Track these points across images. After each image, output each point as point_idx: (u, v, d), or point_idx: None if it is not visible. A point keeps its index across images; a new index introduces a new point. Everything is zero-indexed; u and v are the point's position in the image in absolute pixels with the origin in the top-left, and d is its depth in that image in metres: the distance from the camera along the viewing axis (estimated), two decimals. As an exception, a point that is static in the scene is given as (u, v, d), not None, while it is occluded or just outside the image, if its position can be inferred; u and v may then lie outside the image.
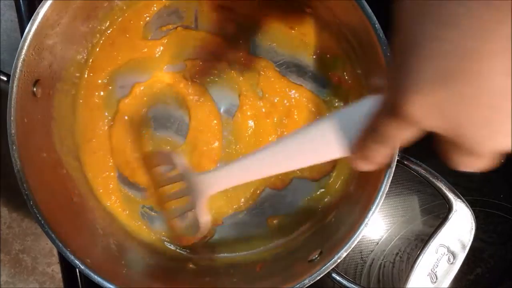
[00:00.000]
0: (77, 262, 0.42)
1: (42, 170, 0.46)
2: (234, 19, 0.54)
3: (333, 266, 0.41)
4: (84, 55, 0.52)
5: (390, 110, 0.27)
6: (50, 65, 0.47)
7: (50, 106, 0.49)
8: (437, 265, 0.42)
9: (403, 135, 0.28)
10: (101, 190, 0.53)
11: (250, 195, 0.54)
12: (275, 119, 0.54)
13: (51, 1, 0.42)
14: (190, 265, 0.52)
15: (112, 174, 0.54)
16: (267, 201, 0.55)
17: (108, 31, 0.53)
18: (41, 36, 0.43)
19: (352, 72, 0.52)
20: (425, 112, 0.24)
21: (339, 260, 0.41)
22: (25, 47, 0.42)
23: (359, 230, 0.41)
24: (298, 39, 0.53)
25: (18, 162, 0.42)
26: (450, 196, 0.42)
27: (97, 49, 0.53)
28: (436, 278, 0.42)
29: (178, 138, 0.55)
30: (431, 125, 0.25)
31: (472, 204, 0.43)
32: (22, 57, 0.42)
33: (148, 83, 0.54)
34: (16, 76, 0.42)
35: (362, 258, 0.58)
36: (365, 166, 0.33)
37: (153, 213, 0.54)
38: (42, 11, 0.42)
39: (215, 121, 0.54)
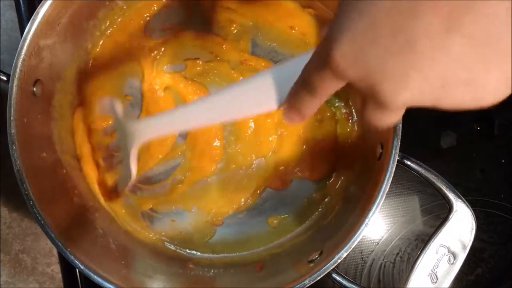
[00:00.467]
0: (77, 262, 0.42)
1: (42, 170, 0.46)
2: (234, 19, 0.54)
3: (333, 267, 0.41)
4: (85, 55, 0.52)
5: (320, 61, 0.27)
6: (50, 65, 0.47)
7: (50, 106, 0.48)
8: (438, 265, 0.42)
9: (332, 86, 0.28)
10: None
11: (250, 195, 0.54)
12: (276, 119, 0.54)
13: (51, 1, 0.42)
14: (190, 265, 0.52)
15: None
16: (267, 201, 0.55)
17: (108, 31, 0.53)
18: (41, 36, 0.43)
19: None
20: (348, 62, 0.25)
21: (339, 261, 0.41)
22: (25, 47, 0.42)
23: (360, 230, 0.41)
24: (298, 39, 0.53)
25: (17, 162, 0.42)
26: (451, 196, 0.42)
27: (97, 49, 0.53)
28: (437, 279, 0.42)
29: (178, 138, 0.55)
30: (352, 75, 0.26)
31: (473, 204, 0.43)
32: (22, 57, 0.42)
33: (148, 83, 0.54)
34: (16, 76, 0.42)
35: (362, 258, 0.58)
36: (295, 117, 0.33)
37: (153, 214, 0.54)
38: (42, 11, 0.42)
39: (215, 121, 0.54)
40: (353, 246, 0.41)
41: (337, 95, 0.54)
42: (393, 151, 0.41)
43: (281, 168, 0.54)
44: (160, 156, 0.54)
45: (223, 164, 0.55)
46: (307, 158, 0.54)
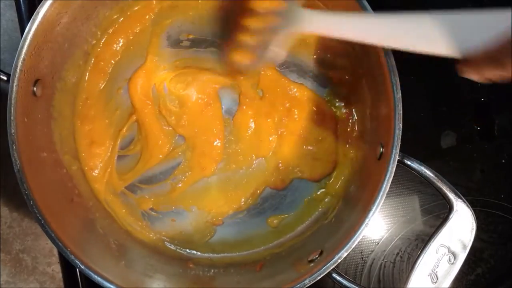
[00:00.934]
0: (77, 262, 0.42)
1: (42, 169, 0.46)
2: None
3: (333, 266, 0.41)
4: (85, 54, 0.52)
5: None
6: (50, 65, 0.47)
7: (50, 106, 0.48)
8: (438, 265, 0.42)
9: None
10: (101, 189, 0.53)
11: (250, 195, 0.54)
12: (276, 119, 0.54)
13: (51, 1, 0.42)
14: (190, 265, 0.52)
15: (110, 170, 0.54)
16: (267, 201, 0.55)
17: (109, 31, 0.53)
18: (41, 36, 0.43)
19: (352, 72, 0.52)
20: None
21: (339, 260, 0.41)
22: (25, 47, 0.42)
23: (360, 230, 0.41)
24: (298, 39, 0.53)
25: (18, 161, 0.42)
26: (451, 196, 0.42)
27: (98, 49, 0.53)
28: (437, 278, 0.42)
29: (178, 138, 0.55)
30: None
31: (473, 204, 0.43)
32: (22, 56, 0.42)
33: (149, 83, 0.54)
34: (16, 76, 0.42)
35: (362, 258, 0.58)
36: (474, 76, 0.33)
37: (153, 213, 0.54)
38: (42, 11, 0.42)
39: (218, 122, 0.54)
40: (353, 246, 0.41)
41: (338, 94, 0.54)
42: (393, 151, 0.41)
43: (281, 168, 0.54)
44: (160, 156, 0.54)
45: (223, 164, 0.55)
46: (308, 158, 0.54)
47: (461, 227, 0.42)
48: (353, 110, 0.53)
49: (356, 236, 0.41)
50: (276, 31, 0.44)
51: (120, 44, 0.54)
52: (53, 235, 0.42)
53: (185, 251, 0.54)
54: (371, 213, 0.41)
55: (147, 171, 0.54)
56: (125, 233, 0.53)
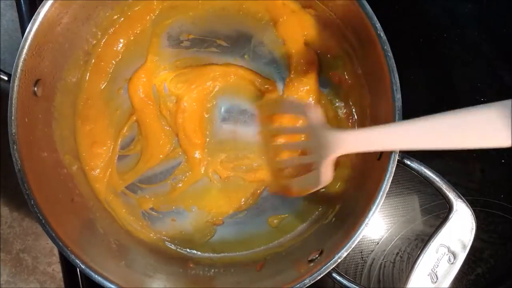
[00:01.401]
0: (77, 261, 0.42)
1: (43, 169, 0.46)
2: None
3: (333, 266, 0.41)
4: (85, 54, 0.52)
5: None
6: (51, 65, 0.47)
7: (51, 106, 0.49)
8: (438, 265, 0.42)
9: None
10: (101, 188, 0.53)
11: (250, 195, 0.55)
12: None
13: (52, 1, 0.42)
14: (191, 265, 0.53)
15: (111, 170, 0.54)
16: (267, 201, 0.55)
17: (110, 31, 0.53)
18: (42, 36, 0.43)
19: (352, 72, 0.52)
20: None
21: (339, 260, 0.41)
22: (26, 47, 0.42)
23: (360, 230, 0.41)
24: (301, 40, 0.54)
25: (19, 161, 0.42)
26: (451, 196, 0.42)
27: (99, 49, 0.53)
28: (437, 278, 0.42)
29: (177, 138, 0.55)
30: None
31: (473, 204, 0.43)
32: (23, 56, 0.42)
33: (149, 83, 0.54)
34: (17, 76, 0.42)
35: (362, 258, 0.58)
36: None
37: (153, 213, 0.54)
38: (43, 11, 0.42)
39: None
40: (353, 246, 0.41)
41: (338, 94, 0.54)
42: (393, 151, 0.41)
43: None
44: (160, 156, 0.54)
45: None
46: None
47: (461, 227, 0.42)
48: (353, 110, 0.53)
49: (356, 236, 0.41)
50: (317, 155, 0.44)
51: (121, 44, 0.54)
52: (53, 235, 0.42)
53: (185, 250, 0.54)
54: (371, 213, 0.41)
55: (148, 171, 0.54)
56: (125, 233, 0.53)
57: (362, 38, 0.46)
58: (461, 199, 0.42)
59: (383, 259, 0.58)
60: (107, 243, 0.49)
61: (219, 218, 0.54)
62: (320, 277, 0.41)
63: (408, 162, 0.43)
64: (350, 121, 0.53)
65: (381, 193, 0.41)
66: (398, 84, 0.42)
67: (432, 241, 0.42)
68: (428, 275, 0.42)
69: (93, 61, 0.53)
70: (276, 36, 0.54)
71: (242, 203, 0.55)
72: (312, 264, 0.45)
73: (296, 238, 0.53)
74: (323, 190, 0.54)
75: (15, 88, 0.42)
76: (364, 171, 0.49)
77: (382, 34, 0.42)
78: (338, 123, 0.54)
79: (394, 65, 0.42)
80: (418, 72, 0.60)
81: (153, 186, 0.55)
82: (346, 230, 0.44)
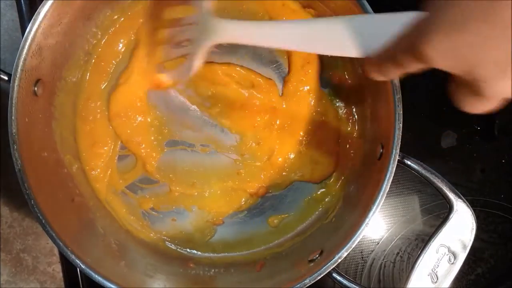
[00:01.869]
0: (77, 261, 0.42)
1: (43, 169, 0.46)
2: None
3: (333, 266, 0.41)
4: (86, 54, 0.52)
5: (409, 44, 0.28)
6: (51, 65, 0.47)
7: (51, 106, 0.49)
8: (438, 265, 0.42)
9: (415, 66, 0.29)
10: (101, 188, 0.53)
11: (250, 195, 0.55)
12: (276, 125, 0.54)
13: (52, 1, 0.42)
14: (191, 265, 0.53)
15: (111, 171, 0.54)
16: (267, 201, 0.55)
17: (110, 30, 0.53)
18: (42, 35, 0.43)
19: (353, 71, 0.52)
20: (441, 53, 0.25)
21: (339, 260, 0.41)
22: (26, 47, 0.42)
23: (360, 230, 0.41)
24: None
25: (19, 161, 0.42)
26: (451, 196, 0.42)
27: (99, 49, 0.53)
28: (437, 278, 0.42)
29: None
30: (445, 65, 0.26)
31: (473, 204, 0.43)
32: (23, 56, 0.42)
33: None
34: (17, 76, 0.42)
35: (362, 258, 0.58)
36: (377, 76, 0.35)
37: (154, 213, 0.54)
38: (43, 10, 0.42)
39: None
40: (353, 246, 0.41)
41: (338, 94, 0.54)
42: (394, 151, 0.41)
43: (283, 174, 0.54)
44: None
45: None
46: (307, 162, 0.54)
47: (461, 227, 0.42)
48: (353, 110, 0.53)
49: (356, 236, 0.41)
50: (195, 43, 0.45)
51: (121, 44, 0.54)
52: (53, 234, 0.42)
53: (186, 250, 0.54)
54: (371, 213, 0.41)
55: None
56: (125, 233, 0.53)
57: (363, 38, 0.45)
58: (461, 199, 0.42)
59: (383, 259, 0.58)
60: (107, 243, 0.49)
61: (219, 218, 0.54)
62: (320, 277, 0.41)
63: (409, 162, 0.43)
64: (351, 120, 0.53)
65: (381, 193, 0.41)
66: (399, 84, 0.42)
67: (433, 241, 0.42)
68: (428, 275, 0.42)
69: (93, 61, 0.53)
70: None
71: (243, 203, 0.54)
72: (312, 264, 0.45)
73: (296, 238, 0.53)
74: (323, 190, 0.54)
75: (15, 88, 0.42)
76: (364, 171, 0.49)
77: (383, 34, 0.42)
78: (338, 123, 0.54)
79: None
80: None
81: (153, 186, 0.55)
82: (346, 230, 0.44)
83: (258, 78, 0.54)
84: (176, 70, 0.50)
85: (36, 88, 0.45)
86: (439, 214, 0.57)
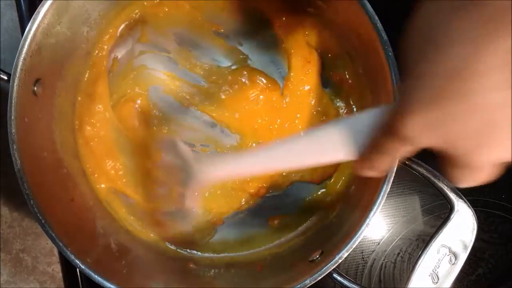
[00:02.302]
0: (77, 261, 0.42)
1: (43, 169, 0.46)
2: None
3: (334, 266, 0.41)
4: (86, 54, 0.52)
5: (388, 129, 0.28)
6: (51, 64, 0.47)
7: (51, 105, 0.48)
8: (439, 266, 0.42)
9: (402, 150, 0.29)
10: (102, 186, 0.53)
11: (250, 195, 0.54)
12: (277, 124, 0.54)
13: (51, 1, 0.42)
14: (191, 265, 0.52)
15: (112, 172, 0.54)
16: (268, 201, 0.55)
17: (110, 30, 0.53)
18: (42, 35, 0.43)
19: (353, 71, 0.52)
20: (419, 132, 0.26)
21: (340, 260, 0.41)
22: (26, 46, 0.42)
23: (361, 230, 0.41)
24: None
25: (18, 161, 0.42)
26: (452, 196, 0.42)
27: (99, 49, 0.53)
28: (438, 279, 0.41)
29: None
30: (427, 142, 0.26)
31: (474, 204, 0.43)
32: (22, 56, 0.42)
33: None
34: (17, 75, 0.42)
35: (363, 258, 0.58)
36: (369, 173, 0.34)
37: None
38: (42, 10, 0.42)
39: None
40: (354, 246, 0.41)
41: (338, 94, 0.54)
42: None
43: (283, 174, 0.54)
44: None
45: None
46: None
47: (462, 227, 0.42)
48: (354, 109, 0.53)
49: (356, 236, 0.41)
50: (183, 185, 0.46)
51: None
52: (53, 234, 0.42)
53: (186, 251, 0.54)
54: (372, 213, 0.41)
55: (148, 171, 0.54)
56: (125, 233, 0.53)
57: (363, 38, 0.45)
58: (462, 199, 0.42)
59: (384, 260, 0.58)
60: (107, 243, 0.49)
61: (220, 218, 0.54)
62: (320, 277, 0.41)
63: (410, 162, 0.43)
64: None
65: (382, 193, 0.41)
66: (399, 84, 0.42)
67: (433, 241, 0.42)
68: (429, 275, 0.42)
69: (93, 61, 0.53)
70: (277, 36, 0.54)
71: (243, 203, 0.54)
72: (312, 264, 0.45)
73: (296, 238, 0.53)
74: (324, 190, 0.54)
75: (15, 88, 0.42)
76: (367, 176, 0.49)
77: (384, 34, 0.42)
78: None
79: (396, 65, 0.42)
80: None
81: (153, 185, 0.54)
82: (347, 230, 0.44)
83: (260, 77, 0.54)
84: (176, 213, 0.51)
85: (35, 88, 0.45)
86: (440, 214, 0.57)
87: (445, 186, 0.42)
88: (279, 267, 0.50)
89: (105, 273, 0.43)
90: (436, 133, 0.25)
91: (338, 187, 0.53)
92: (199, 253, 0.54)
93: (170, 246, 0.54)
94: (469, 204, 0.42)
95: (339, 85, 0.54)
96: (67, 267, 0.56)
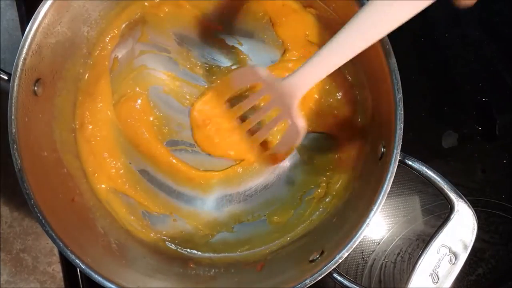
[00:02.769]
0: (77, 261, 0.42)
1: (43, 169, 0.46)
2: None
3: (334, 266, 0.41)
4: (86, 54, 0.52)
5: None
6: (51, 64, 0.47)
7: (51, 105, 0.48)
8: (439, 266, 0.41)
9: None
10: (103, 186, 0.53)
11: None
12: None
13: (52, 1, 0.42)
14: (191, 265, 0.52)
15: (113, 171, 0.54)
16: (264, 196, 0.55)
17: (115, 30, 0.53)
18: (42, 35, 0.43)
19: (353, 71, 0.52)
20: None
21: (340, 260, 0.41)
22: (26, 46, 0.42)
23: (361, 230, 0.41)
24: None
25: (19, 161, 0.42)
26: (452, 196, 0.42)
27: (99, 49, 0.53)
28: (438, 279, 0.41)
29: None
30: None
31: (474, 205, 0.43)
32: (23, 56, 0.42)
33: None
34: (17, 75, 0.42)
35: (363, 258, 0.58)
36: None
37: (154, 213, 0.54)
38: (43, 10, 0.42)
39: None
40: (354, 246, 0.41)
41: (338, 94, 0.54)
42: (395, 151, 0.41)
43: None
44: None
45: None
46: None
47: (462, 227, 0.42)
48: (354, 110, 0.53)
49: (357, 236, 0.41)
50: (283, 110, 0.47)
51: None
52: (53, 234, 0.42)
53: (186, 250, 0.54)
54: (372, 213, 0.41)
55: (148, 171, 0.54)
56: (125, 233, 0.53)
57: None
58: (462, 199, 0.42)
59: (384, 260, 0.58)
60: (107, 243, 0.49)
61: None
62: (321, 277, 0.41)
63: (410, 163, 0.43)
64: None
65: (382, 193, 0.41)
66: (400, 84, 0.42)
67: (433, 241, 0.42)
68: (429, 275, 0.42)
69: (93, 60, 0.53)
70: (277, 35, 0.54)
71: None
72: (313, 264, 0.45)
73: (296, 238, 0.53)
74: (324, 190, 0.54)
75: (15, 88, 0.42)
76: (366, 171, 0.49)
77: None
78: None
79: (396, 64, 0.42)
80: (419, 72, 0.59)
81: (153, 185, 0.54)
82: (347, 230, 0.44)
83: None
84: (283, 139, 0.51)
85: (36, 88, 0.45)
86: (440, 214, 0.57)
87: (445, 186, 0.42)
88: (279, 267, 0.50)
89: (105, 272, 0.43)
90: None
91: (338, 187, 0.53)
92: (199, 253, 0.54)
93: (170, 246, 0.54)
94: (469, 204, 0.42)
95: (340, 84, 0.54)
96: (67, 267, 0.56)
